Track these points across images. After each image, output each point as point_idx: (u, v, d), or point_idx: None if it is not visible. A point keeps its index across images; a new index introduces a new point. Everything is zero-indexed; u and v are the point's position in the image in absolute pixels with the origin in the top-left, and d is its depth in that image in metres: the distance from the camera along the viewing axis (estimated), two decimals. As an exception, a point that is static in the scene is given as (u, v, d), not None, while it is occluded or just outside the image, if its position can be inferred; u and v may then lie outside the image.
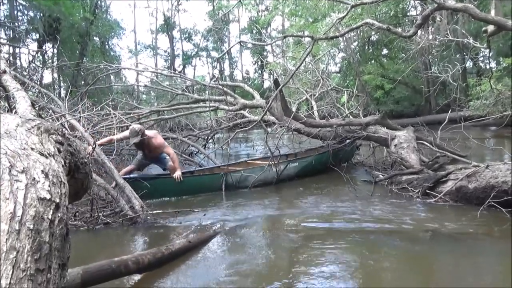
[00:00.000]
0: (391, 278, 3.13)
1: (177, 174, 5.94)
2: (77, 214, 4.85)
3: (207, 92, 11.16)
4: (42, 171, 1.12)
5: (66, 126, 6.89)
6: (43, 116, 6.29)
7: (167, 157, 6.35)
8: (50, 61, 20.85)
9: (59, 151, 1.33)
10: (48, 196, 1.07)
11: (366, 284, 2.98)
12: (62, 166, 1.28)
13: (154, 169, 7.30)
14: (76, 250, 4.11)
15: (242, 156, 11.12)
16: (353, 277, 3.08)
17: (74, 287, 2.55)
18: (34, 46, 20.56)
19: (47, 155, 1.20)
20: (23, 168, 1.08)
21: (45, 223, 1.01)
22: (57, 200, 1.10)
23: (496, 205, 4.31)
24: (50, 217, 1.04)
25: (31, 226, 0.96)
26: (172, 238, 4.19)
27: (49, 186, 1.10)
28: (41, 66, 14.47)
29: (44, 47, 19.96)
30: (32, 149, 1.18)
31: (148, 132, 6.12)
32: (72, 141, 1.48)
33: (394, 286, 2.95)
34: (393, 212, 4.86)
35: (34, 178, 1.08)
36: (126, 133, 6.25)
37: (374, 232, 4.25)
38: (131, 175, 6.00)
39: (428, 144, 7.25)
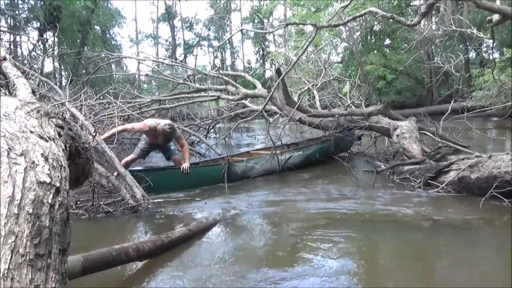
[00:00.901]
0: (390, 265, 3.14)
1: (186, 165, 5.90)
2: (78, 202, 4.85)
3: (208, 81, 11.10)
4: (42, 155, 1.09)
5: (68, 115, 6.88)
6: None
7: (173, 147, 6.32)
8: (50, 49, 20.73)
9: (60, 135, 1.30)
10: (48, 180, 1.05)
11: (366, 270, 2.98)
12: (63, 150, 1.26)
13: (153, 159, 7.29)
14: (77, 239, 4.11)
15: (244, 146, 11.10)
16: (354, 264, 3.09)
17: (75, 274, 2.55)
18: (34, 34, 20.44)
19: (47, 139, 1.18)
20: (22, 151, 1.05)
21: (45, 208, 0.99)
22: (57, 184, 1.08)
23: (498, 195, 4.30)
24: (50, 201, 1.02)
25: (31, 210, 0.94)
26: (173, 227, 4.18)
27: (49, 169, 1.07)
28: (41, 54, 14.39)
29: (44, 36, 19.85)
30: (31, 132, 1.15)
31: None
32: (73, 126, 1.46)
33: (394, 273, 2.95)
34: (395, 201, 4.85)
35: (34, 161, 1.06)
36: (138, 124, 6.19)
37: (375, 221, 4.25)
38: (137, 168, 5.95)
39: (430, 135, 7.23)
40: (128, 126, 6.28)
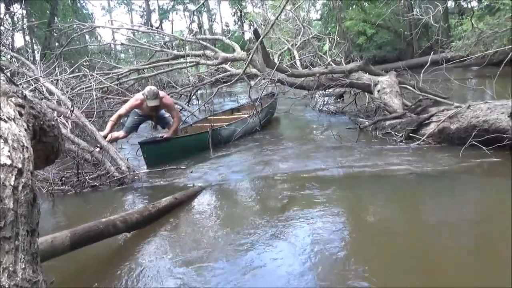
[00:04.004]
0: (379, 218, 3.22)
1: (166, 135, 5.74)
2: (63, 178, 4.81)
3: (186, 47, 10.87)
4: (0, 136, 1.06)
5: (44, 90, 6.69)
6: (15, 81, 6.07)
7: (168, 115, 6.20)
8: (19, 23, 19.85)
9: (21, 114, 1.26)
10: (8, 162, 1.02)
11: (354, 224, 3.05)
12: (25, 130, 1.22)
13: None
14: (66, 215, 4.13)
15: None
16: (343, 219, 3.16)
17: (63, 250, 2.56)
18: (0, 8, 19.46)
19: (6, 119, 1.14)
20: (-22, 134, 1.02)
21: (7, 190, 0.97)
22: (20, 166, 1.05)
23: (477, 144, 4.39)
24: (12, 183, 0.99)
25: (-8, 194, 0.92)
26: (159, 197, 4.20)
27: (9, 151, 1.05)
28: (10, 29, 13.80)
29: (11, 8, 18.93)
30: (-13, 114, 1.11)
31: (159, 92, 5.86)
32: (36, 103, 1.41)
33: (383, 227, 3.03)
34: (378, 157, 4.91)
35: (-9, 144, 1.03)
36: (128, 103, 6.00)
37: (359, 177, 4.33)
38: (142, 140, 5.80)
39: (411, 88, 7.26)
40: (121, 110, 6.00)
